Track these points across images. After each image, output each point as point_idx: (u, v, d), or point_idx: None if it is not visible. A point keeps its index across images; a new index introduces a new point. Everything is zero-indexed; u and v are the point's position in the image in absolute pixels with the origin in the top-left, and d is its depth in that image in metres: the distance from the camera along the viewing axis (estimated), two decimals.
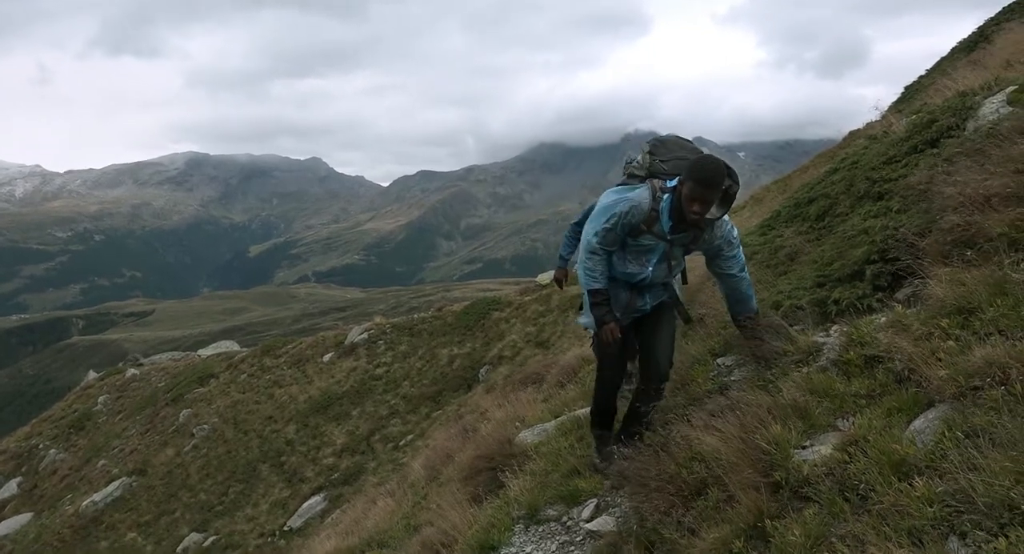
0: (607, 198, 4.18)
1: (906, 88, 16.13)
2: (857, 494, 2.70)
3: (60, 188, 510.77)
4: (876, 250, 4.63)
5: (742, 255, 4.23)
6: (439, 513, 5.34)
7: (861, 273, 4.61)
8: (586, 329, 4.55)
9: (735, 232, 4.17)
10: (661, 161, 4.19)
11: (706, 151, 4.17)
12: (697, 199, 3.75)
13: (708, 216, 3.83)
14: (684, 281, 4.65)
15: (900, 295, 4.31)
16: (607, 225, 4.07)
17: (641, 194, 4.04)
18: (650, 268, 4.16)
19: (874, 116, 10.21)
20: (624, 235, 4.10)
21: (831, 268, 4.89)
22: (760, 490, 3.04)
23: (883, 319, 3.82)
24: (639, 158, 4.32)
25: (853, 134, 14.16)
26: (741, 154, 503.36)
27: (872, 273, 4.54)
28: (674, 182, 3.98)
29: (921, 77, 16.16)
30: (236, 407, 22.13)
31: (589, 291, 4.20)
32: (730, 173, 3.82)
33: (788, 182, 16.40)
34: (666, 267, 4.20)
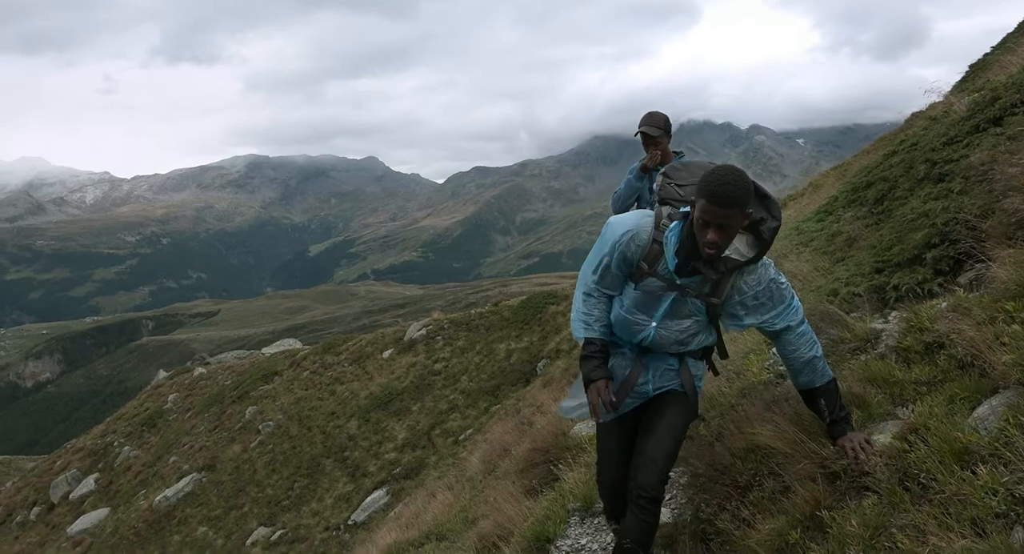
0: (609, 226, 3.28)
1: (970, 66, 15.54)
2: (918, 483, 2.63)
3: (128, 193, 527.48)
4: (937, 233, 4.50)
5: (798, 303, 3.15)
6: (495, 506, 5.37)
7: (921, 257, 4.49)
8: (570, 419, 4.05)
9: (782, 278, 3.12)
10: (677, 185, 3.28)
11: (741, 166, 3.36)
12: (711, 223, 2.80)
13: (732, 255, 2.97)
14: (723, 354, 3.48)
15: (962, 279, 4.18)
16: (606, 260, 3.22)
17: (642, 221, 3.16)
18: (654, 323, 3.18)
19: (935, 97, 9.88)
20: (625, 275, 3.23)
21: (890, 253, 4.76)
22: (817, 481, 2.99)
23: (944, 304, 3.71)
24: (655, 184, 3.45)
25: (915, 116, 13.74)
26: (800, 141, 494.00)
27: (933, 257, 4.41)
28: (687, 208, 3.12)
29: (986, 54, 15.57)
30: (300, 404, 22.56)
31: (582, 340, 3.37)
32: (765, 201, 2.97)
33: (847, 167, 16.01)
34: (677, 326, 3.19)
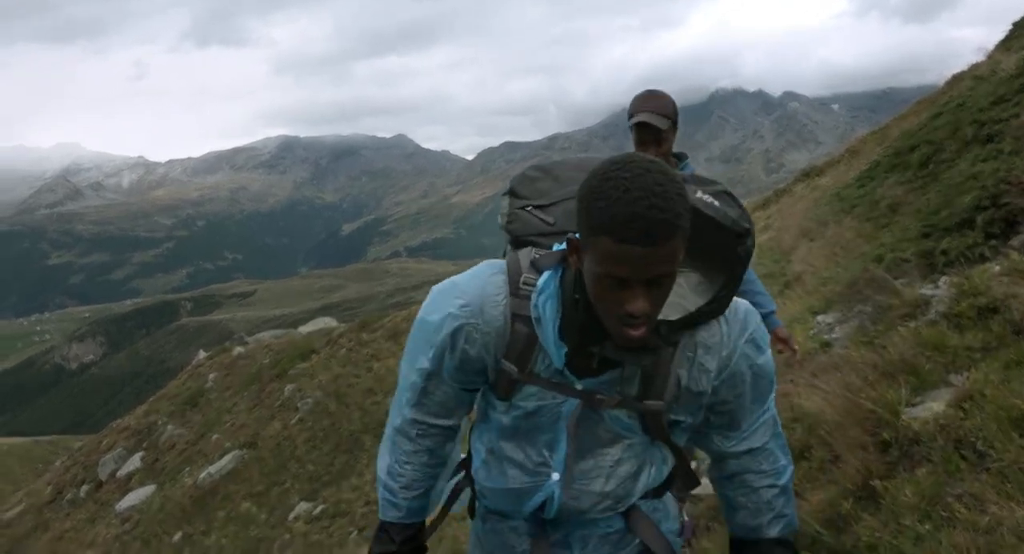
0: (429, 302, 1.66)
1: (1015, 24, 15.08)
2: (974, 452, 2.56)
3: (163, 177, 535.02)
4: (987, 196, 4.37)
5: (774, 408, 1.69)
6: None
7: (971, 221, 4.37)
8: None
9: (759, 358, 1.60)
10: (537, 207, 1.67)
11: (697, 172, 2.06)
12: (629, 279, 1.28)
13: (670, 315, 1.45)
14: (690, 482, 1.81)
15: (1015, 242, 4.06)
16: (427, 365, 1.64)
17: (485, 286, 1.57)
18: (554, 473, 1.64)
19: (978, 57, 9.60)
20: (464, 389, 1.70)
21: (937, 217, 4.64)
22: (868, 449, 2.92)
23: (997, 268, 3.61)
24: (504, 204, 1.75)
25: (956, 77, 13.41)
26: (835, 107, 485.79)
27: (983, 220, 4.29)
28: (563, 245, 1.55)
29: None
30: (337, 381, 22.76)
31: (380, 521, 1.82)
32: (731, 195, 1.49)
33: (887, 132, 15.65)
34: (599, 468, 1.64)
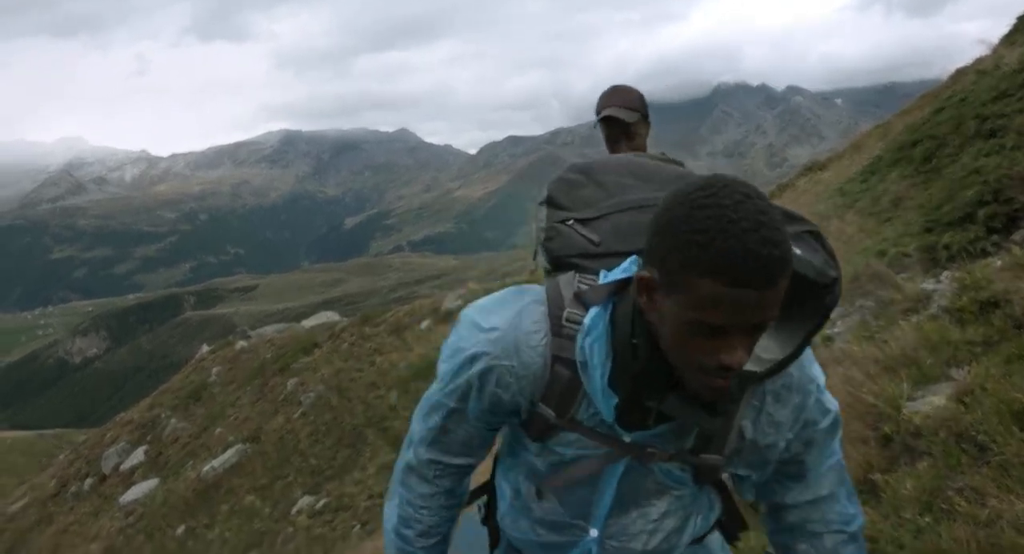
0: (456, 336, 1.41)
1: (1019, 18, 15.03)
2: (975, 445, 2.58)
3: (165, 171, 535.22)
4: (989, 191, 4.37)
5: (840, 452, 1.47)
6: None
7: (973, 216, 4.37)
8: None
9: (829, 401, 1.40)
10: (580, 222, 1.41)
11: (704, 167, 1.58)
12: (731, 327, 1.07)
13: (752, 369, 1.21)
14: (737, 526, 1.58)
15: (1017, 237, 4.07)
16: (448, 402, 1.42)
17: (520, 324, 1.32)
18: (593, 530, 1.44)
19: (979, 51, 9.58)
20: (489, 429, 1.48)
21: (940, 212, 4.65)
22: (869, 443, 2.95)
23: (999, 262, 3.62)
24: (541, 215, 1.50)
25: (960, 72, 13.38)
26: (838, 101, 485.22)
27: (985, 215, 4.30)
28: (620, 273, 1.28)
29: None
30: (340, 375, 22.78)
31: None
32: (816, 235, 1.24)
33: (890, 127, 15.62)
34: (643, 520, 1.42)
